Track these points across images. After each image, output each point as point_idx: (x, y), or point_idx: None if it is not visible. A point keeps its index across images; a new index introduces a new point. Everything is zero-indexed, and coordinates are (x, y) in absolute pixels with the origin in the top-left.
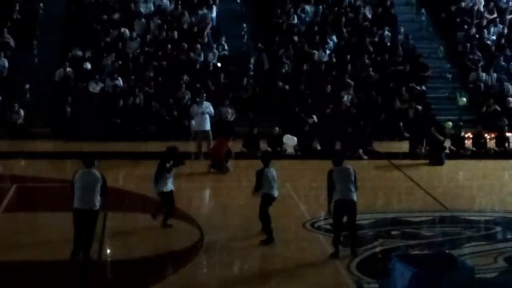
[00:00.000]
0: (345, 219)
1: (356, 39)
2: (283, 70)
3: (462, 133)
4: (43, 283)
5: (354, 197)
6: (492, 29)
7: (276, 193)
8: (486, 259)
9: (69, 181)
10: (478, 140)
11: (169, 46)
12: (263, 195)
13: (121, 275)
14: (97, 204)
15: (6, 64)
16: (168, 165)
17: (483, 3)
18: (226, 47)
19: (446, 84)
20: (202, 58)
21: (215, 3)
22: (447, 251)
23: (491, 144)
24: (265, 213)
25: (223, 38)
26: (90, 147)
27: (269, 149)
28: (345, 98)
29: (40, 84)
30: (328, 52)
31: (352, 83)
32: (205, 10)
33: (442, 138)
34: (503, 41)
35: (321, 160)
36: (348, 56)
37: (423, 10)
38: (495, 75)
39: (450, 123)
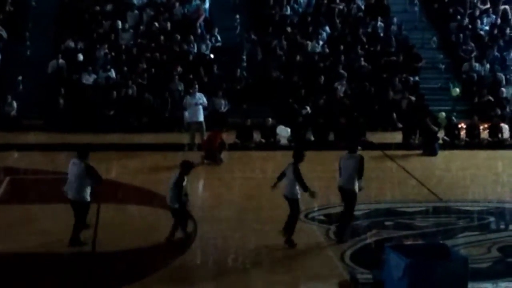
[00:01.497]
0: None
1: (349, 30)
2: (276, 61)
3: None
4: (36, 275)
5: (351, 185)
6: (485, 20)
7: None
8: (480, 249)
9: (62, 172)
10: (472, 131)
11: (162, 37)
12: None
13: (114, 266)
14: (80, 194)
15: None
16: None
17: None
18: (219, 38)
19: (439, 74)
20: (195, 50)
21: None
22: (440, 242)
23: (484, 134)
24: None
25: (216, 29)
26: (83, 139)
27: (262, 140)
28: (339, 89)
29: (33, 76)
30: (321, 43)
31: (345, 74)
32: (198, 1)
33: (436, 128)
34: (496, 31)
35: (315, 151)
36: (341, 47)
37: (416, 1)
38: (488, 65)
39: (443, 114)
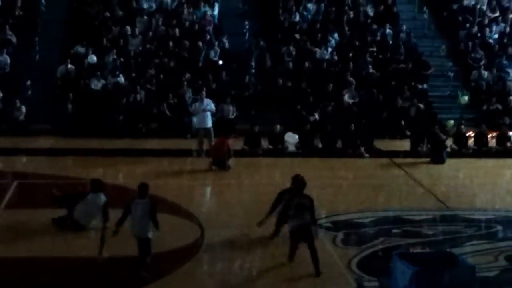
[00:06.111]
0: None
1: (358, 37)
2: (285, 68)
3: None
4: (41, 279)
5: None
6: (494, 28)
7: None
8: (487, 258)
9: (70, 177)
10: (480, 139)
11: (171, 43)
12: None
13: (122, 272)
14: None
15: (8, 61)
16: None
17: (485, 1)
18: (228, 44)
19: (448, 82)
20: (203, 56)
21: (217, 1)
22: (448, 250)
23: (493, 142)
24: None
25: (225, 36)
26: (91, 144)
27: (270, 146)
28: (347, 96)
29: (41, 81)
30: (329, 50)
31: (354, 81)
32: (207, 8)
33: (444, 136)
34: (505, 40)
35: (323, 158)
36: (350, 54)
37: (425, 8)
38: (497, 73)
39: (452, 122)
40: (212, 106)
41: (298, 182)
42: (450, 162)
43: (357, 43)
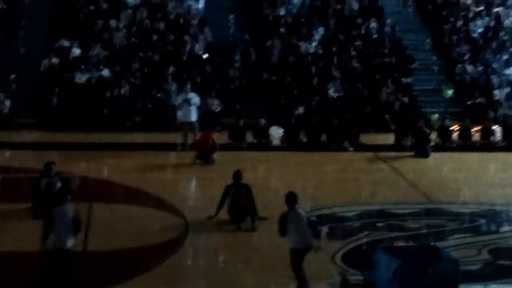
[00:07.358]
0: None
1: (343, 31)
2: (270, 62)
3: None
4: (23, 275)
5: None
6: (478, 22)
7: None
8: (470, 251)
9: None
10: (464, 133)
11: (156, 37)
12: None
13: (106, 266)
14: None
15: None
16: None
17: None
18: (212, 38)
19: (432, 76)
20: (188, 49)
21: None
22: (431, 243)
23: (476, 136)
24: None
25: (210, 29)
26: (75, 138)
27: (255, 140)
28: (331, 90)
29: (26, 75)
30: (314, 44)
31: (339, 75)
32: (192, 1)
33: (428, 130)
34: (490, 34)
35: (307, 152)
36: (335, 48)
37: (409, 2)
38: (481, 67)
39: (436, 116)
40: (196, 99)
41: (289, 197)
42: (434, 156)
43: (341, 37)
